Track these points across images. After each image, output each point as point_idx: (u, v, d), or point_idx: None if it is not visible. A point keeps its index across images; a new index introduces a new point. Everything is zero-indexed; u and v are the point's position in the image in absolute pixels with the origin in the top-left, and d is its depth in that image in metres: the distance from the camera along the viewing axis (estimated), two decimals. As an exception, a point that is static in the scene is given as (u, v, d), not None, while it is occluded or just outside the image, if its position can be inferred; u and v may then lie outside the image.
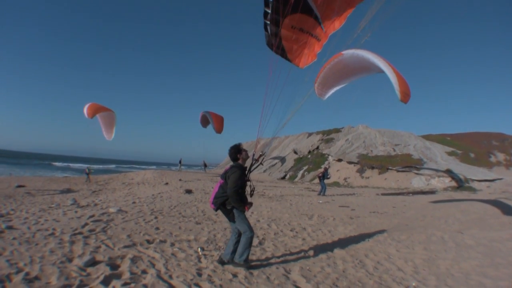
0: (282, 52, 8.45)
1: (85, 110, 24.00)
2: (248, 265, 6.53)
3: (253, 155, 7.55)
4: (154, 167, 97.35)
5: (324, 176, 24.92)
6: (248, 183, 6.92)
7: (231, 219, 6.60)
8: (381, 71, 8.84)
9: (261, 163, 7.64)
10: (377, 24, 7.37)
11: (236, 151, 6.76)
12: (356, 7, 7.76)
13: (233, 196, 6.31)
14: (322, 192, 24.05)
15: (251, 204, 6.74)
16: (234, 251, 6.67)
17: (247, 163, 7.07)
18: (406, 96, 8.67)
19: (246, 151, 6.89)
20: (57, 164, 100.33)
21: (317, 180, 39.38)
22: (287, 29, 7.97)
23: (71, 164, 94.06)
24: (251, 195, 7.05)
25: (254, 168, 7.45)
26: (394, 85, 8.51)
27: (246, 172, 6.92)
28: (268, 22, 7.91)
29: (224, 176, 6.58)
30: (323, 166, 38.97)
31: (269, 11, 7.67)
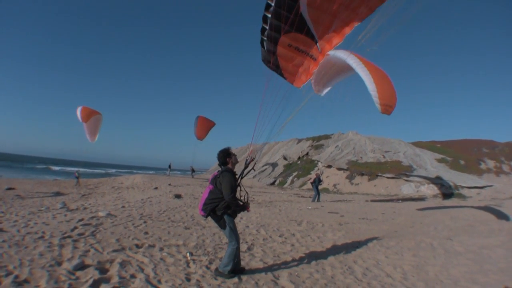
0: (278, 69, 8.52)
1: (79, 114, 23.88)
2: (230, 277, 6.38)
3: (246, 160, 7.51)
4: (152, 172, 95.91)
5: (315, 182, 24.95)
6: (239, 188, 6.79)
7: (222, 225, 6.47)
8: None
9: (253, 169, 7.59)
10: (383, 37, 7.40)
11: (226, 155, 6.68)
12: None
13: (232, 201, 6.28)
14: (316, 198, 24.07)
15: (249, 204, 6.79)
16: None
17: (237, 168, 6.98)
18: (388, 108, 8.48)
19: (235, 155, 6.86)
20: (55, 168, 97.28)
21: (306, 186, 39.41)
22: (283, 47, 8.01)
23: (68, 168, 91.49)
24: (246, 201, 6.92)
25: (246, 174, 7.42)
26: (374, 98, 8.34)
27: (237, 177, 6.83)
28: (265, 39, 7.95)
29: (214, 181, 6.45)
30: (313, 172, 39.01)
31: (267, 27, 7.70)
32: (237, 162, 6.87)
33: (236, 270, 6.55)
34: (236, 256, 6.44)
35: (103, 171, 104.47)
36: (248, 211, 6.73)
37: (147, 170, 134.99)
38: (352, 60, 8.80)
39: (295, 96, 8.81)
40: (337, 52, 9.37)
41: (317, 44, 7.95)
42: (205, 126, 27.20)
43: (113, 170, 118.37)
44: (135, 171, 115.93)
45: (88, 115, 24.29)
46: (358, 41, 7.45)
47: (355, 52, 9.12)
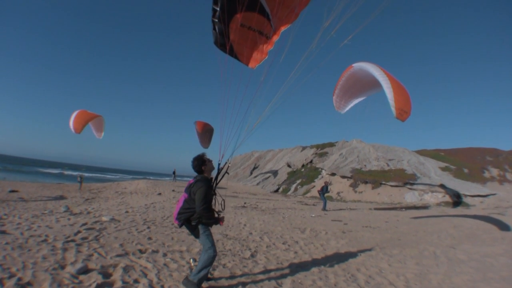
0: (231, 51, 8.20)
1: (71, 125, 22.83)
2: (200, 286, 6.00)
3: (218, 165, 7.01)
4: (167, 178, 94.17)
5: (323, 190, 24.94)
6: (216, 194, 6.64)
7: (196, 235, 6.15)
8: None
9: (227, 172, 7.14)
10: (359, 27, 7.21)
11: (201, 163, 6.29)
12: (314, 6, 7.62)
13: (204, 214, 5.88)
14: (323, 206, 24.00)
15: (223, 217, 6.42)
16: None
17: (213, 173, 6.70)
18: (403, 114, 8.55)
19: (211, 161, 6.49)
20: (71, 173, 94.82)
21: (309, 194, 39.38)
22: (235, 28, 7.78)
23: (85, 174, 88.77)
24: (223, 208, 6.73)
25: (221, 179, 6.99)
26: (390, 101, 8.41)
27: (213, 183, 6.56)
28: (216, 20, 7.70)
29: (189, 190, 6.10)
30: (317, 180, 38.89)
31: (218, 9, 7.43)
32: (213, 168, 6.57)
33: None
34: (210, 265, 6.02)
35: (107, 176, 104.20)
36: (221, 225, 6.35)
37: (151, 176, 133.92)
38: (377, 72, 8.84)
39: (262, 89, 8.22)
40: (362, 65, 9.38)
41: (271, 22, 7.74)
42: (202, 123, 28.13)
43: (117, 175, 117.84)
44: (151, 177, 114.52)
45: (83, 124, 23.31)
46: (327, 30, 7.19)
47: (381, 66, 9.14)
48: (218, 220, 6.23)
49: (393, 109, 8.35)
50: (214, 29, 7.91)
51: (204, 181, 6.08)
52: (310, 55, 7.55)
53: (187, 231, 6.23)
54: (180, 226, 6.23)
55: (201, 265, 5.92)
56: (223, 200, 6.80)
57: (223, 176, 7.02)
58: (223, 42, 8.00)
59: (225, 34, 7.85)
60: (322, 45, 7.37)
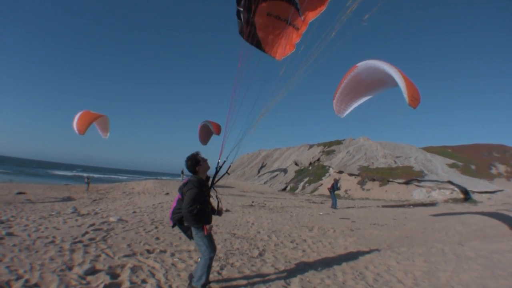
0: (256, 42, 7.77)
1: (75, 127, 22.52)
2: None
3: (218, 163, 6.77)
4: (179, 178, 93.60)
5: (333, 188, 24.89)
6: (213, 194, 6.33)
7: (189, 236, 5.98)
8: (395, 84, 8.81)
9: (227, 172, 6.95)
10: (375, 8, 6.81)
11: (194, 163, 5.97)
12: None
13: (188, 217, 5.57)
14: (334, 204, 23.97)
15: (210, 225, 5.91)
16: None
17: (212, 172, 6.45)
18: (415, 101, 8.63)
19: (206, 160, 6.13)
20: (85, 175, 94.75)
21: (317, 192, 39.36)
22: (262, 17, 7.36)
23: (96, 175, 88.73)
24: (215, 211, 6.39)
25: (219, 179, 6.79)
26: (402, 88, 8.47)
27: (209, 182, 6.34)
28: (241, 9, 7.23)
29: (181, 190, 5.84)
30: (325, 178, 38.85)
31: None
32: (209, 168, 6.19)
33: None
34: (209, 269, 5.84)
35: (120, 177, 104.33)
36: (205, 233, 5.72)
37: (163, 176, 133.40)
38: (386, 65, 8.87)
39: (279, 84, 7.83)
40: (369, 62, 9.39)
41: (299, 11, 7.36)
42: (216, 124, 28.28)
43: (125, 176, 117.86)
44: (164, 177, 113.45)
45: (86, 125, 23.04)
46: (346, 8, 6.75)
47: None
48: (202, 226, 5.73)
49: (405, 96, 8.40)
50: (239, 18, 7.44)
51: (194, 182, 5.78)
52: (324, 42, 7.22)
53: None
54: (173, 226, 6.18)
55: (199, 272, 5.79)
56: (219, 202, 6.49)
57: (221, 177, 6.84)
58: (248, 32, 7.57)
59: (250, 24, 7.45)
60: (343, 25, 6.95)
